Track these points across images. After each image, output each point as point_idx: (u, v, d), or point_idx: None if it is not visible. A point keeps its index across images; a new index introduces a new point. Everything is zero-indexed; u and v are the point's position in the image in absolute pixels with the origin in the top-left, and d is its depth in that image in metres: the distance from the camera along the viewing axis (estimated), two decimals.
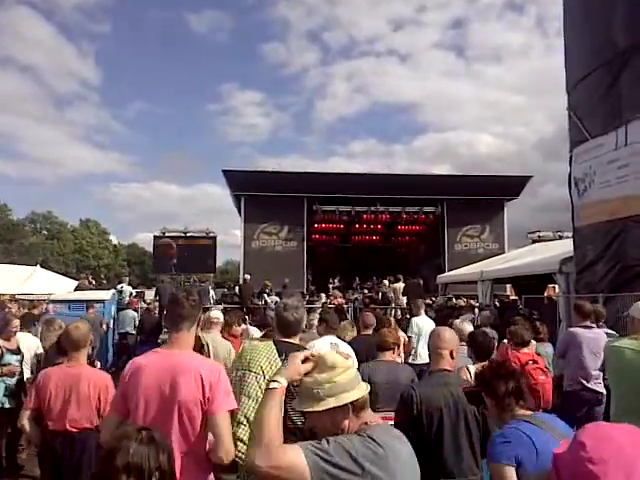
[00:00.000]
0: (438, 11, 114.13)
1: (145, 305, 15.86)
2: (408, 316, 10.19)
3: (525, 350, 4.84)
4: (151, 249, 27.18)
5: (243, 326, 6.63)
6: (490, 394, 2.35)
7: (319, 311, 10.21)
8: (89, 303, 11.68)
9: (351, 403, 1.73)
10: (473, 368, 3.92)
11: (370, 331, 6.34)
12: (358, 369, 2.13)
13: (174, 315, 2.60)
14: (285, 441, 2.91)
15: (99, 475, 1.52)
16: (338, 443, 1.60)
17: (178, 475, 2.24)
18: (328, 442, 1.61)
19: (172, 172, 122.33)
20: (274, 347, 3.19)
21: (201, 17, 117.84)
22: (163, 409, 2.34)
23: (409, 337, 7.81)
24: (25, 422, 3.70)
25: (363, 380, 1.86)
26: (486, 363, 3.33)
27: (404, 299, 15.05)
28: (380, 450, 1.61)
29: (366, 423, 1.75)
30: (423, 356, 6.87)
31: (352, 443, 1.61)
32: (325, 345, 4.71)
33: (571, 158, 9.38)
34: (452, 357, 3.13)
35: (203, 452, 2.41)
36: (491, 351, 4.43)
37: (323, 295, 17.81)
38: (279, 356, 3.13)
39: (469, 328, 5.37)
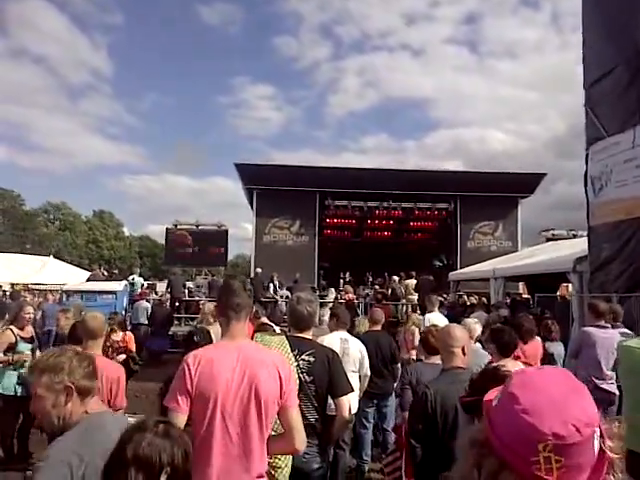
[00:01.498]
0: (451, 6, 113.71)
1: (157, 297, 15.99)
2: (420, 313, 10.14)
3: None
4: (162, 241, 27.29)
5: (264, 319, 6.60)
6: None
7: (329, 306, 10.24)
8: (99, 294, 11.78)
9: None
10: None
11: (379, 327, 6.35)
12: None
13: (233, 304, 2.45)
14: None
15: (110, 466, 1.48)
16: None
17: (257, 468, 2.25)
18: None
19: (183, 164, 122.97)
20: (287, 341, 3.18)
21: (213, 10, 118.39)
22: (242, 404, 2.25)
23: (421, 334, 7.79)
24: None
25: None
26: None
27: (415, 296, 15.01)
28: None
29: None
30: None
31: None
32: (335, 340, 4.73)
33: (587, 156, 9.25)
34: (464, 354, 3.11)
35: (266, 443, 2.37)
36: (516, 347, 4.38)
37: (333, 290, 17.82)
38: (292, 351, 3.12)
39: (479, 327, 5.34)
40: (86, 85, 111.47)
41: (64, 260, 26.22)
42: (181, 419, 2.21)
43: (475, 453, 0.98)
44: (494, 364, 4.06)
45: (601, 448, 0.92)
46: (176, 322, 15.74)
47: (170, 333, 13.45)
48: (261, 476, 2.30)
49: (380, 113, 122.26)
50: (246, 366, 2.28)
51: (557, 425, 0.88)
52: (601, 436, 0.92)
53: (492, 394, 1.04)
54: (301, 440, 2.40)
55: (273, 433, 2.46)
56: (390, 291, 16.56)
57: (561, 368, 1.12)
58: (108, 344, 7.09)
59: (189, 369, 2.25)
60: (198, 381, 2.23)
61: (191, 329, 10.08)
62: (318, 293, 16.74)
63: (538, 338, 5.89)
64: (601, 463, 0.92)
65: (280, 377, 2.32)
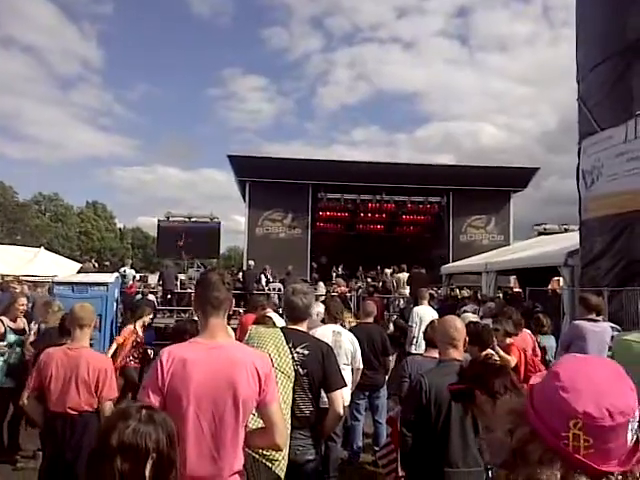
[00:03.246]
0: None
1: (148, 290, 15.92)
2: (412, 306, 10.17)
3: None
4: (153, 233, 27.16)
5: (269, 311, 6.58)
6: (486, 391, 2.29)
7: (321, 299, 10.23)
8: (90, 285, 11.69)
9: None
10: None
11: (371, 319, 6.35)
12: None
13: (211, 299, 2.33)
14: (292, 429, 2.94)
15: (95, 453, 1.46)
16: None
17: (230, 466, 2.22)
18: None
19: (174, 156, 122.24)
20: (281, 334, 3.17)
21: (202, 0, 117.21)
22: (219, 405, 2.19)
23: (410, 326, 7.81)
24: (26, 401, 3.71)
25: None
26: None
27: (407, 289, 15.04)
28: None
29: None
30: (423, 345, 6.86)
31: None
32: (327, 333, 4.72)
33: (580, 150, 9.28)
34: (463, 347, 3.11)
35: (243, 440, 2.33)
36: (490, 342, 4.41)
37: (322, 284, 17.73)
38: (287, 343, 3.11)
39: (474, 319, 5.36)
40: (76, 75, 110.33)
41: (56, 252, 26.05)
42: None
43: (511, 420, 1.02)
44: (483, 353, 4.10)
45: (637, 441, 0.94)
46: (168, 314, 15.70)
47: (155, 325, 13.42)
48: (235, 474, 2.26)
49: (371, 106, 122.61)
50: (222, 366, 2.21)
51: (591, 405, 0.91)
52: (638, 430, 0.94)
53: (539, 377, 1.09)
54: (282, 435, 2.36)
55: (254, 427, 2.44)
56: (381, 284, 16.60)
57: (610, 359, 1.17)
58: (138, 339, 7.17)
59: (161, 367, 2.19)
60: (170, 380, 2.17)
61: (178, 321, 10.06)
62: (310, 286, 16.71)
63: (527, 330, 5.93)
64: (632, 456, 0.94)
65: (259, 376, 2.25)
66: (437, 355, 3.41)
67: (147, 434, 1.43)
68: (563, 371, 0.98)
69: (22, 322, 6.14)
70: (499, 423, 1.07)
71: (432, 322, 4.80)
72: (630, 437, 0.93)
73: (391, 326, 11.39)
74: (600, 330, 5.38)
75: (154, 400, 2.16)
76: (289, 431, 2.92)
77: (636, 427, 0.93)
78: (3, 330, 5.78)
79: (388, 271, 17.21)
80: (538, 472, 0.93)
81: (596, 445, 0.91)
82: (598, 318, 5.57)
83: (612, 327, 5.53)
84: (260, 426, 2.41)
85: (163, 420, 1.51)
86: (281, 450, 2.67)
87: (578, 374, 0.96)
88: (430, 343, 4.40)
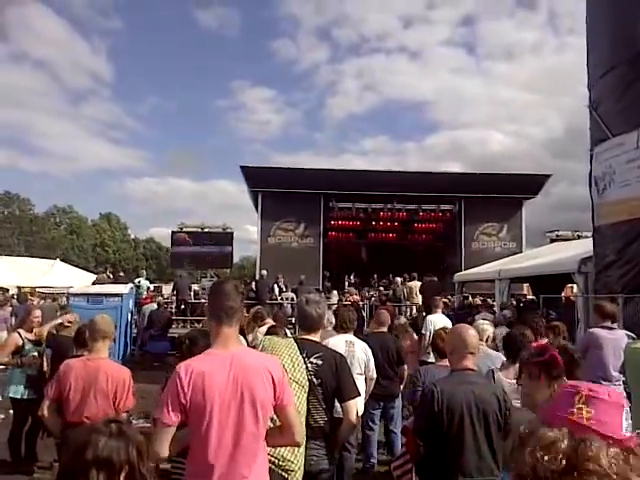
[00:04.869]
0: (448, 8, 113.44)
1: (163, 299, 16.05)
2: (424, 314, 10.15)
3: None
4: (166, 244, 27.34)
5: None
6: (557, 375, 2.50)
7: (334, 308, 10.25)
8: (105, 296, 11.82)
9: None
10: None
11: (384, 328, 6.35)
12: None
13: (225, 308, 2.35)
14: (307, 439, 2.97)
15: (68, 470, 1.48)
16: None
17: (254, 473, 2.27)
18: None
19: (184, 167, 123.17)
20: (295, 344, 3.20)
21: (209, 14, 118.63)
22: (240, 413, 2.23)
23: (422, 334, 7.79)
24: (45, 412, 3.76)
25: None
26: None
27: (419, 297, 14.99)
28: None
29: None
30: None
31: None
32: (340, 343, 4.74)
33: (591, 156, 9.25)
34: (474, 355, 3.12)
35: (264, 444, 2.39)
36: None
37: (335, 292, 17.77)
38: (300, 353, 3.14)
39: (490, 328, 5.34)
40: (86, 89, 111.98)
41: (71, 263, 26.34)
42: (170, 432, 2.21)
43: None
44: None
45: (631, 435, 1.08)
46: (181, 325, 15.79)
47: (171, 335, 13.54)
48: (261, 478, 2.31)
49: (379, 115, 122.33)
50: (239, 374, 2.26)
51: (593, 385, 1.18)
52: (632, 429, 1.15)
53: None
54: (300, 434, 2.43)
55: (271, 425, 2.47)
56: (391, 292, 16.57)
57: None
58: None
59: (181, 382, 2.21)
60: (192, 394, 2.20)
61: (192, 332, 10.11)
62: (323, 295, 16.73)
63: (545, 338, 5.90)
64: (628, 440, 1.06)
65: (274, 381, 2.31)
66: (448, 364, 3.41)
67: (119, 449, 1.46)
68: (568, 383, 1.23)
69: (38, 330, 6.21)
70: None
71: (440, 331, 4.80)
72: (625, 425, 1.10)
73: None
74: (616, 337, 5.35)
75: (173, 416, 2.20)
76: (305, 442, 2.95)
77: (630, 422, 1.11)
78: (21, 342, 5.88)
79: (399, 279, 17.16)
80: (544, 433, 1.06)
81: (596, 416, 1.10)
82: (613, 325, 5.54)
83: (627, 335, 5.50)
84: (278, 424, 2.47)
85: (133, 434, 1.54)
86: (299, 447, 2.73)
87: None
88: (439, 352, 4.40)
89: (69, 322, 6.27)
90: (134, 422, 4.35)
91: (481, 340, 4.80)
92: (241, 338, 5.74)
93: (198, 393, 2.20)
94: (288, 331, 6.03)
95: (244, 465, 2.24)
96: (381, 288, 19.50)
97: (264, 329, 6.16)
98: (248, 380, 2.26)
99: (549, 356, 2.52)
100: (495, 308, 12.28)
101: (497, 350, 4.92)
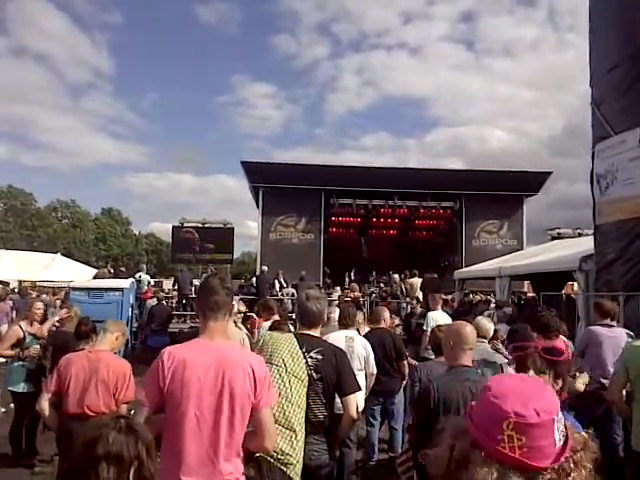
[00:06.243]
0: (448, 4, 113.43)
1: (164, 294, 16.06)
2: (423, 310, 10.15)
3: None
4: (167, 239, 27.32)
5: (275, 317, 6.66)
6: None
7: (335, 304, 10.26)
8: (106, 291, 11.84)
9: None
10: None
11: (383, 324, 6.34)
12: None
13: (210, 302, 2.43)
14: (307, 434, 2.97)
15: (78, 465, 1.48)
16: None
17: (226, 466, 2.27)
18: None
19: (185, 162, 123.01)
20: (295, 339, 3.20)
21: (209, 9, 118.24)
22: (215, 404, 2.26)
23: (424, 331, 7.79)
24: (44, 405, 3.77)
25: None
26: None
27: (420, 294, 14.99)
28: None
29: None
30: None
31: None
32: (340, 338, 4.74)
33: (593, 154, 9.23)
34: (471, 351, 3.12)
35: (241, 443, 2.37)
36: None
37: (338, 288, 17.81)
38: (300, 348, 3.14)
39: (490, 325, 5.33)
40: (87, 84, 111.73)
41: (73, 258, 26.36)
42: (146, 412, 2.29)
43: (451, 434, 1.12)
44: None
45: (564, 442, 1.05)
46: (182, 320, 15.81)
47: (171, 330, 13.57)
48: (231, 474, 2.29)
49: (380, 111, 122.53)
50: (221, 366, 2.28)
51: (519, 406, 1.03)
52: (565, 432, 1.06)
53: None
54: (271, 440, 2.40)
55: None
56: (389, 289, 16.58)
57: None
58: None
59: (162, 367, 2.27)
60: (170, 381, 2.25)
61: (194, 327, 10.11)
62: (324, 291, 16.75)
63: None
64: (561, 454, 1.04)
65: (254, 377, 2.31)
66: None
67: (128, 444, 1.46)
68: (492, 384, 1.11)
69: (39, 327, 6.22)
70: (442, 441, 1.14)
71: (437, 329, 4.79)
72: (558, 437, 1.04)
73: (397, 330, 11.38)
74: (615, 336, 5.34)
75: (151, 398, 2.28)
76: (303, 436, 2.96)
77: (562, 428, 1.05)
78: (22, 335, 5.88)
79: (396, 276, 17.16)
80: (474, 473, 1.02)
81: (528, 443, 1.01)
82: (613, 323, 5.54)
83: (627, 333, 5.49)
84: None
85: (142, 431, 1.55)
86: (298, 441, 2.75)
87: (505, 384, 1.10)
88: (437, 349, 4.39)
89: (68, 315, 6.29)
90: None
91: (484, 338, 4.81)
92: (244, 332, 5.79)
93: (177, 380, 2.26)
94: (292, 327, 6.01)
95: (217, 454, 2.25)
96: (381, 285, 19.51)
97: (267, 324, 6.17)
98: (229, 372, 2.28)
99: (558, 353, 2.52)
100: (491, 305, 12.25)
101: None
